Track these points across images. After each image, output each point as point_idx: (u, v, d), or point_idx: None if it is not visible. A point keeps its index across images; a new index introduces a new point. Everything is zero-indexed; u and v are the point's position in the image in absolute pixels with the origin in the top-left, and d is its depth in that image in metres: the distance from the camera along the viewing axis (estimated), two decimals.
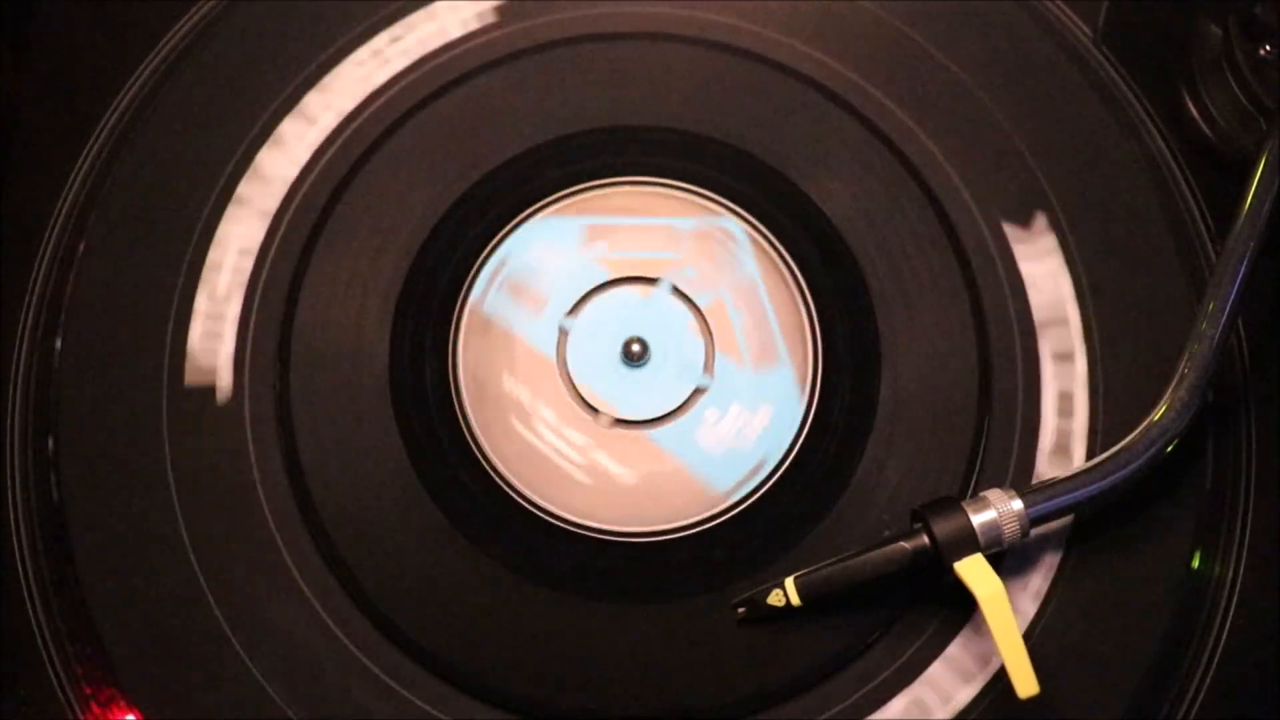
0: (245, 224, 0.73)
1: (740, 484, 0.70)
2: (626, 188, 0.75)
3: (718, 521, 0.70)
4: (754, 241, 0.73)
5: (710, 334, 0.73)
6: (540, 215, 0.73)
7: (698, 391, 0.72)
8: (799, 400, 0.71)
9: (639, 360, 0.72)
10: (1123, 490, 0.66)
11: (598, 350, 0.72)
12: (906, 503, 0.68)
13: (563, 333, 0.72)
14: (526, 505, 0.69)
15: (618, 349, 0.72)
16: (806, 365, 0.72)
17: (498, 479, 0.70)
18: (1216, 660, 0.68)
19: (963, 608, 0.67)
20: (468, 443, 0.70)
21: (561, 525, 0.69)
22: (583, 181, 0.74)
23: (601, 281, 0.73)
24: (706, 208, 0.74)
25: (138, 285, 0.72)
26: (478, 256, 0.73)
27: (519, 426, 0.70)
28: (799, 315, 0.73)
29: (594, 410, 0.71)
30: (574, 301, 0.73)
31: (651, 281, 0.73)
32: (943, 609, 0.67)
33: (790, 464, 0.70)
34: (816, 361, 0.72)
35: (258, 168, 0.74)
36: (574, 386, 0.71)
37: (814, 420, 0.71)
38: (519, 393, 0.71)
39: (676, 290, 0.73)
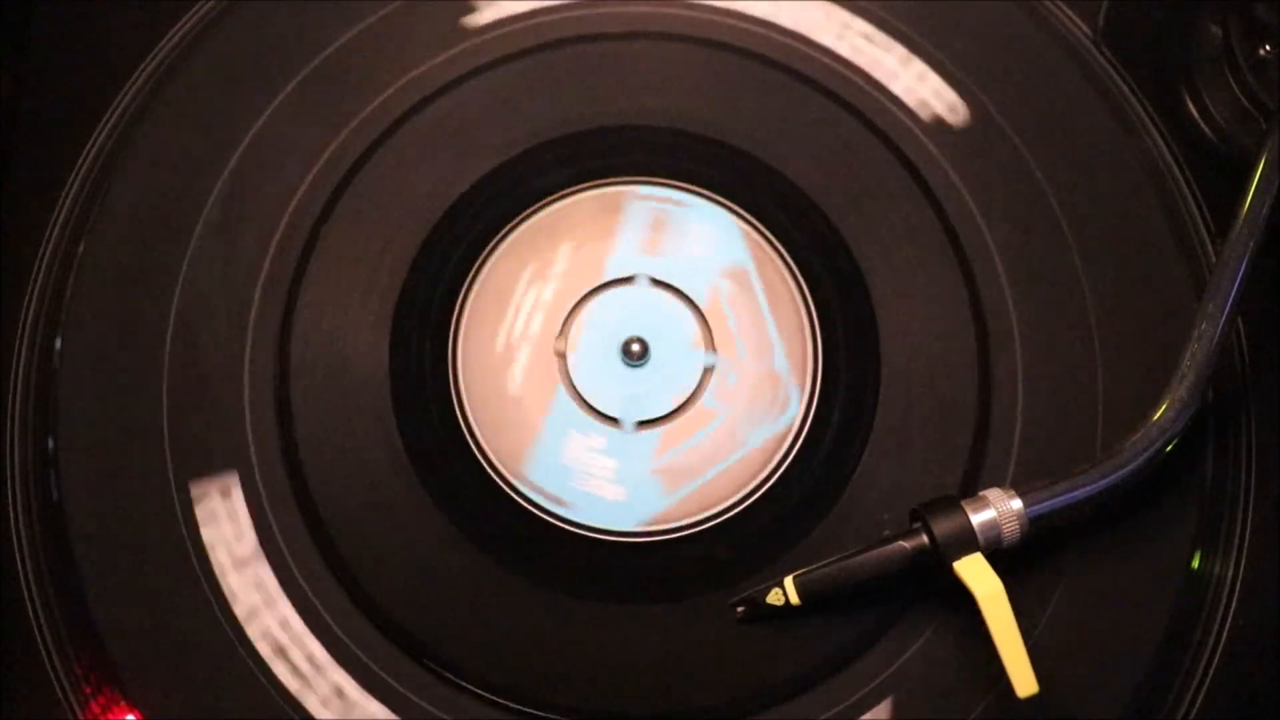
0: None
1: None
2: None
3: (718, 521, 0.70)
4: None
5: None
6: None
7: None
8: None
9: (641, 358, 0.72)
10: (1123, 490, 0.66)
11: (599, 362, 0.72)
12: (906, 502, 0.68)
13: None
14: (527, 505, 0.69)
15: (617, 354, 0.72)
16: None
17: (498, 479, 0.70)
18: (1216, 660, 0.68)
19: (962, 607, 0.67)
20: (468, 442, 0.70)
21: (562, 525, 0.69)
22: (583, 181, 0.74)
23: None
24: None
25: (137, 285, 0.72)
26: (478, 256, 0.73)
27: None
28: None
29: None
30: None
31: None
32: (942, 609, 0.67)
33: (790, 464, 0.70)
34: (816, 361, 0.72)
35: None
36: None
37: (814, 420, 0.71)
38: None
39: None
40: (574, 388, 0.72)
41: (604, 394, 0.71)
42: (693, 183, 0.74)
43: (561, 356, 0.72)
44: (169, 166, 0.74)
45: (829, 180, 0.74)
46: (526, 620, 0.68)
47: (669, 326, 0.73)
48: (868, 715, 0.67)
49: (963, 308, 0.72)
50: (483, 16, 0.77)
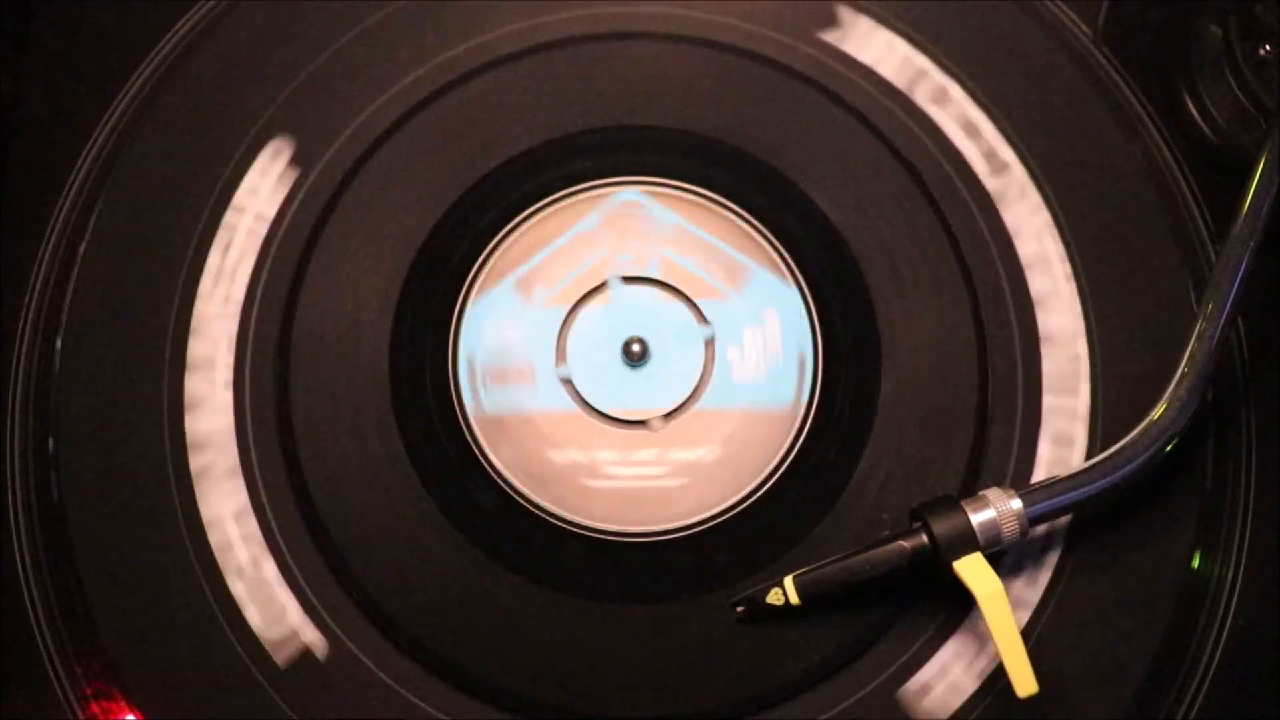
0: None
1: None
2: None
3: (718, 521, 0.70)
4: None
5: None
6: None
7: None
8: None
9: (643, 356, 0.72)
10: (1122, 490, 0.66)
11: (606, 373, 0.72)
12: (906, 502, 0.68)
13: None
14: (527, 505, 0.69)
15: (620, 360, 0.72)
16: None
17: (498, 479, 0.70)
18: (1216, 660, 0.68)
19: (962, 607, 0.67)
20: (468, 442, 0.70)
21: (562, 525, 0.69)
22: (583, 181, 0.74)
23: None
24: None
25: (138, 285, 0.72)
26: (478, 256, 0.73)
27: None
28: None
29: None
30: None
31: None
32: (942, 608, 0.67)
33: (790, 464, 0.70)
34: (816, 361, 0.72)
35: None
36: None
37: (814, 420, 0.71)
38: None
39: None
40: (591, 407, 0.71)
41: (623, 401, 0.72)
42: (693, 182, 0.75)
43: (568, 383, 0.72)
44: (169, 167, 0.74)
45: (834, 182, 0.74)
46: (526, 620, 0.68)
47: (658, 317, 0.73)
48: (868, 716, 0.67)
49: (963, 308, 0.72)
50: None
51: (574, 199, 0.74)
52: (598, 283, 0.73)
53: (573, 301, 0.73)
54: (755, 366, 0.72)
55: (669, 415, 0.71)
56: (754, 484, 0.70)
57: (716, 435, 0.71)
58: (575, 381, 0.72)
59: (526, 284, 0.73)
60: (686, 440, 0.71)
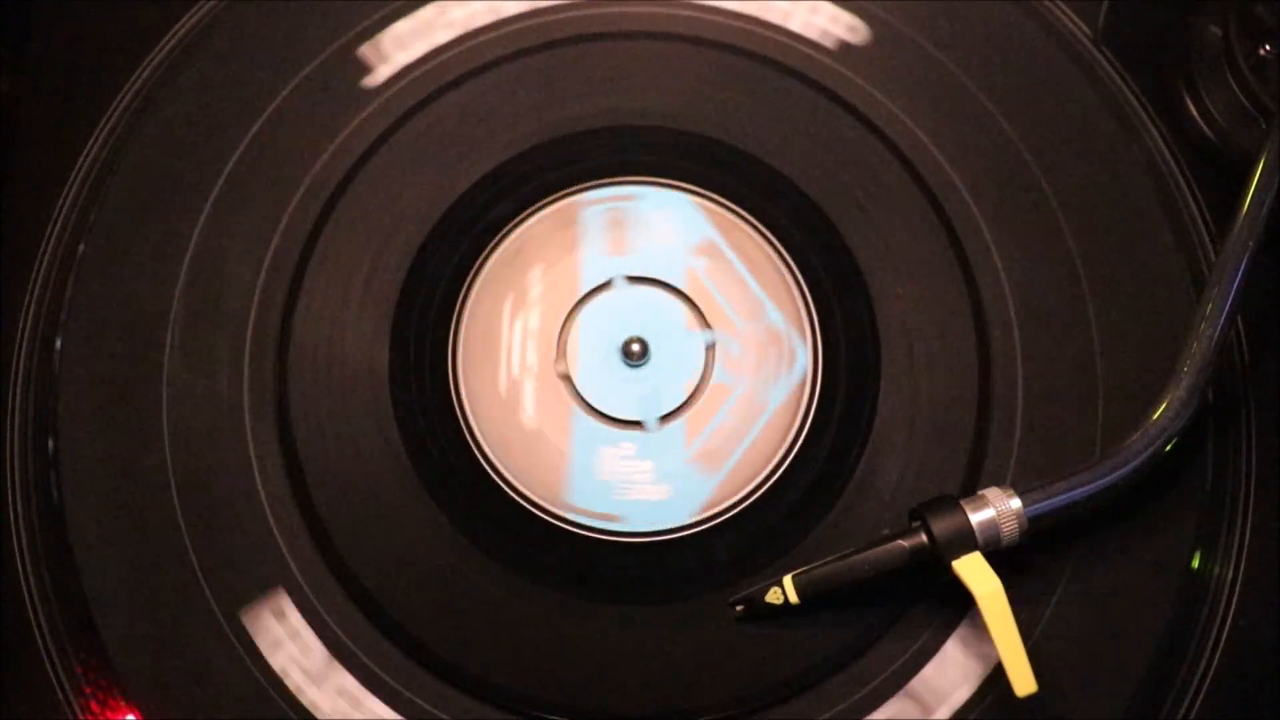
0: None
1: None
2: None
3: (718, 521, 0.70)
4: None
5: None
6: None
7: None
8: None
9: (643, 356, 0.72)
10: (1122, 490, 0.66)
11: (603, 372, 0.72)
12: (906, 502, 0.68)
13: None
14: (527, 505, 0.69)
15: (619, 359, 0.72)
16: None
17: (498, 479, 0.70)
18: (1216, 660, 0.68)
19: (961, 606, 0.67)
20: (468, 442, 0.70)
21: (562, 525, 0.69)
22: (583, 181, 0.74)
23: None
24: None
25: (138, 285, 0.72)
26: (479, 255, 0.73)
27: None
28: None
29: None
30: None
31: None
32: (941, 608, 0.67)
33: (790, 464, 0.70)
34: (816, 361, 0.72)
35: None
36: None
37: (814, 420, 0.71)
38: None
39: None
40: (588, 404, 0.71)
41: (618, 401, 0.71)
42: (693, 182, 0.75)
43: (566, 378, 0.72)
44: (169, 166, 0.74)
45: (832, 181, 0.74)
46: (526, 620, 0.68)
47: (660, 318, 0.73)
48: (867, 715, 0.67)
49: (962, 308, 0.72)
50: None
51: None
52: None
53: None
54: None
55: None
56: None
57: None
58: (575, 381, 0.72)
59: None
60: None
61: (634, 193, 0.74)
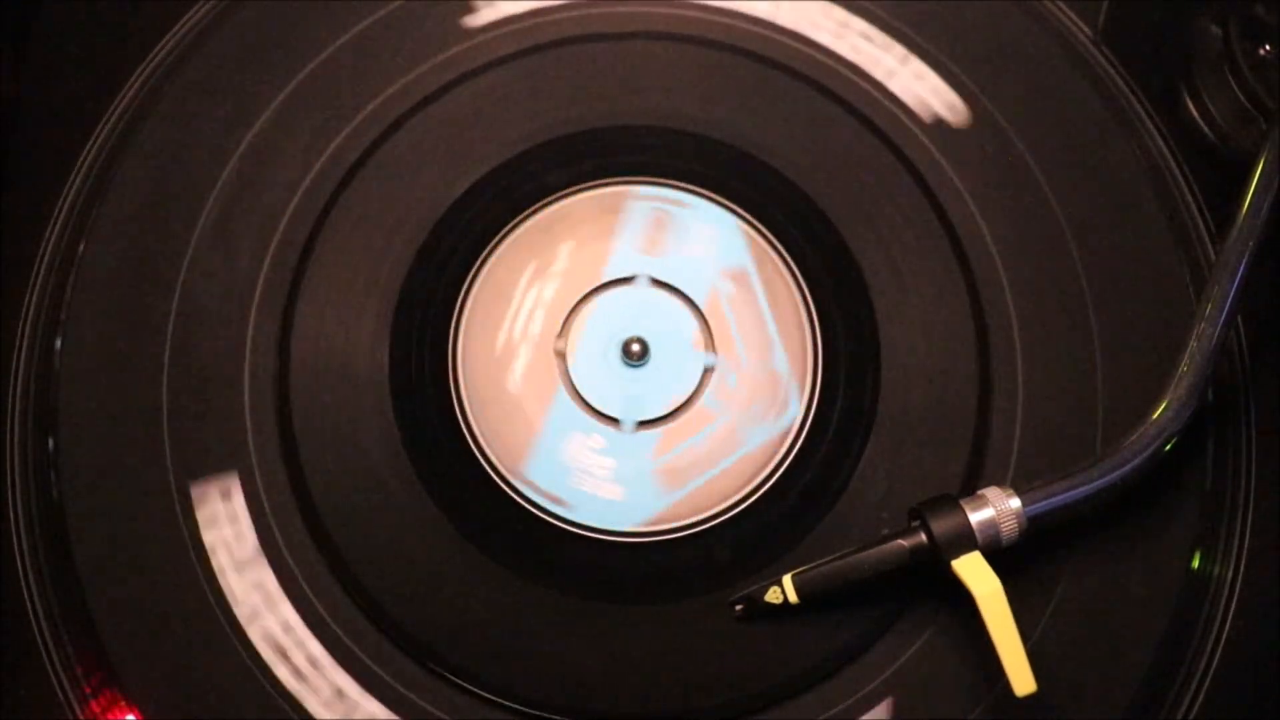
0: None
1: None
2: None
3: (718, 521, 0.70)
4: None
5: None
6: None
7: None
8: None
9: (641, 358, 0.72)
10: (1122, 489, 0.66)
11: (599, 361, 0.72)
12: (906, 502, 0.68)
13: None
14: (527, 505, 0.70)
15: (618, 354, 0.72)
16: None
17: (498, 479, 0.70)
18: (1216, 660, 0.68)
19: (961, 606, 0.67)
20: (467, 441, 0.70)
21: (562, 525, 0.69)
22: (583, 181, 0.74)
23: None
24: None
25: (137, 285, 0.72)
26: (478, 256, 0.73)
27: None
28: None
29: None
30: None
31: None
32: (941, 607, 0.67)
33: (790, 464, 0.70)
34: (816, 361, 0.72)
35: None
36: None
37: (813, 420, 0.71)
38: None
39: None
40: (574, 387, 0.71)
41: (604, 394, 0.71)
42: (694, 183, 0.74)
43: (561, 356, 0.72)
44: (169, 167, 0.74)
45: (829, 180, 0.74)
46: (526, 620, 0.68)
47: (669, 327, 0.73)
48: (867, 715, 0.67)
49: (963, 308, 0.72)
50: (482, 17, 0.77)
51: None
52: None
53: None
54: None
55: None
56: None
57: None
58: (569, 362, 0.72)
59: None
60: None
61: (685, 199, 0.74)
